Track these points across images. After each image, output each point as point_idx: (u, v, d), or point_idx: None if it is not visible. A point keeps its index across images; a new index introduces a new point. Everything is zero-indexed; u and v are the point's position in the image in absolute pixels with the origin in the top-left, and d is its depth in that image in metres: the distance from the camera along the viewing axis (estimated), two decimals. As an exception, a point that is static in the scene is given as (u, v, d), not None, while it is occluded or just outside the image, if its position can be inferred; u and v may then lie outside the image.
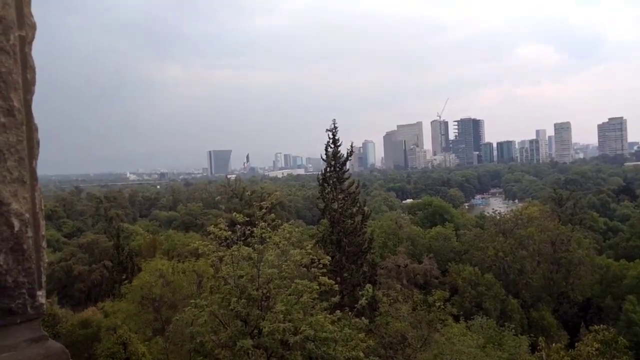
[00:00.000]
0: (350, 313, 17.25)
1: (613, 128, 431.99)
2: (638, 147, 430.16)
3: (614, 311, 47.87)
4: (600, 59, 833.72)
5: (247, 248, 15.60)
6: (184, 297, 24.28)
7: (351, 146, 33.78)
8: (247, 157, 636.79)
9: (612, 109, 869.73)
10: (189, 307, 16.00)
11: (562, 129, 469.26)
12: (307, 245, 17.44)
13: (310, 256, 16.49)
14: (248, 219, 17.29)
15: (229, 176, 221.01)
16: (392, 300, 24.42)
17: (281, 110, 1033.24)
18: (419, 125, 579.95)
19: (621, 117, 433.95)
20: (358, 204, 32.34)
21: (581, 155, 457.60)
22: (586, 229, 65.28)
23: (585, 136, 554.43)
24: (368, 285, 17.74)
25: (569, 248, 50.28)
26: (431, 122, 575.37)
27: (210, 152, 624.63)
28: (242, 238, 16.06)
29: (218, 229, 16.14)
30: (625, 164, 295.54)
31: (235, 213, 17.92)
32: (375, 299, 23.88)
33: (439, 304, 23.55)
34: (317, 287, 15.47)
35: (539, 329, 41.93)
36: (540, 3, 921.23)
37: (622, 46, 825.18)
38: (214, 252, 16.34)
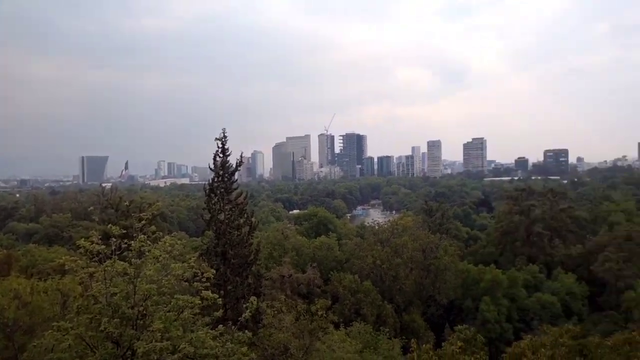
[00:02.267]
0: (233, 327, 17.04)
1: (475, 147, 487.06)
2: (495, 165, 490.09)
3: (472, 311, 53.65)
4: (467, 85, 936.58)
5: (122, 263, 14.63)
6: (44, 320, 21.75)
7: (241, 156, 33.54)
8: (126, 164, 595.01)
9: (475, 130, 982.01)
10: (49, 331, 14.43)
11: (434, 146, 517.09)
12: (190, 259, 16.89)
13: (193, 270, 16.00)
14: (125, 231, 16.22)
15: (104, 185, 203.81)
16: (276, 311, 24.64)
17: (166, 117, 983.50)
18: (307, 138, 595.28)
19: (482, 138, 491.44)
20: (246, 215, 32.14)
21: (449, 171, 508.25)
22: (451, 237, 72.27)
23: (453, 153, 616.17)
24: (252, 298, 17.69)
25: (437, 255, 55.30)
26: (319, 136, 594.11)
27: (83, 157, 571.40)
28: (118, 252, 15.04)
29: (89, 242, 14.90)
30: (484, 179, 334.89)
31: (110, 225, 16.69)
32: (259, 310, 23.92)
33: (321, 312, 24.32)
34: (200, 301, 15.05)
35: (410, 331, 45.40)
36: (418, 31, 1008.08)
37: (485, 75, 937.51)
38: (83, 268, 14.99)
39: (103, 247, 15.10)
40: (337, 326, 27.67)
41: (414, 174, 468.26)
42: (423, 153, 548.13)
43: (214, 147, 32.08)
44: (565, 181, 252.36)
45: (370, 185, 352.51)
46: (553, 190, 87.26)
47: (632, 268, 55.95)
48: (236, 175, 33.50)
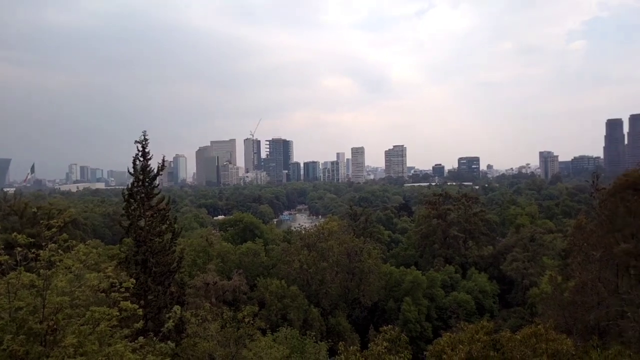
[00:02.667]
0: (155, 338, 16.21)
1: (396, 154, 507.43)
2: (414, 171, 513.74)
3: (395, 312, 55.57)
4: (388, 95, 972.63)
5: (29, 274, 13.36)
6: None
7: (163, 160, 32.05)
8: (32, 167, 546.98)
9: (396, 138, 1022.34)
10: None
11: (358, 153, 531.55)
12: (107, 268, 15.83)
13: (111, 279, 15.01)
14: (32, 239, 14.84)
15: (6, 189, 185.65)
16: (200, 320, 23.82)
17: (78, 118, 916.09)
18: (232, 142, 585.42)
19: (402, 145, 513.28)
20: (168, 221, 30.78)
21: (372, 177, 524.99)
22: (375, 240, 74.52)
23: (375, 160, 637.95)
24: (176, 307, 16.97)
25: (361, 258, 56.66)
26: (244, 140, 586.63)
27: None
28: (24, 263, 13.70)
29: (-12, 253, 13.44)
30: (404, 185, 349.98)
31: (14, 233, 15.17)
32: (182, 320, 22.98)
33: (248, 319, 23.90)
34: (118, 313, 14.13)
35: (336, 333, 46.04)
36: (341, 41, 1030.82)
37: (404, 86, 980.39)
38: (-19, 281, 13.49)
39: (6, 257, 13.70)
40: (264, 332, 27.35)
41: (339, 179, 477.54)
42: (347, 159, 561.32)
43: (132, 150, 30.51)
44: (477, 187, 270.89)
45: (297, 190, 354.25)
46: (467, 195, 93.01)
47: (535, 266, 61.03)
48: (157, 180, 32.04)
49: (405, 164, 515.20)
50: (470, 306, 57.84)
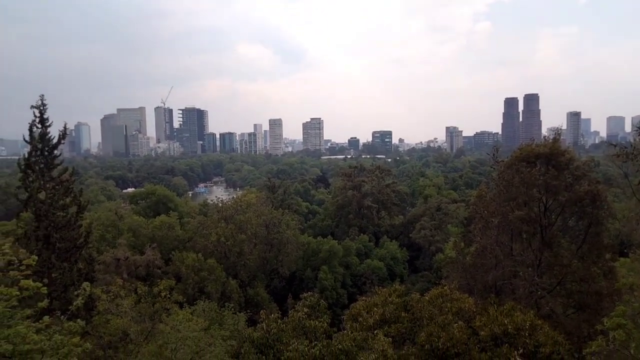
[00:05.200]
0: (62, 317, 15.20)
1: (314, 127, 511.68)
2: (331, 144, 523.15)
3: (312, 280, 57.14)
4: (305, 67, 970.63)
5: None
6: None
7: (65, 128, 29.39)
8: None
9: (314, 110, 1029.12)
10: None
11: (276, 124, 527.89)
12: (3, 245, 14.42)
13: (8, 257, 13.73)
14: None
15: None
16: (112, 297, 22.71)
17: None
18: (141, 110, 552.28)
19: (319, 118, 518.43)
20: (72, 194, 28.55)
21: (290, 149, 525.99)
22: (293, 212, 75.38)
23: (293, 132, 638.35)
24: (85, 283, 15.95)
25: (280, 230, 57.16)
26: (155, 109, 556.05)
27: None
28: None
29: None
30: (322, 157, 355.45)
31: None
32: (92, 297, 21.76)
33: (164, 293, 23.21)
34: (18, 292, 13.03)
35: (255, 304, 46.44)
36: (258, 9, 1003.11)
37: (321, 59, 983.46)
38: None
39: None
40: (181, 306, 26.74)
41: (256, 151, 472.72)
42: (265, 131, 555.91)
43: (26, 116, 27.61)
44: (389, 159, 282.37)
45: (213, 162, 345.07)
46: (380, 167, 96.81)
47: (441, 234, 65.71)
48: (58, 150, 29.43)
49: (323, 136, 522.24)
50: (383, 272, 61.13)
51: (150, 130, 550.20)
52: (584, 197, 24.84)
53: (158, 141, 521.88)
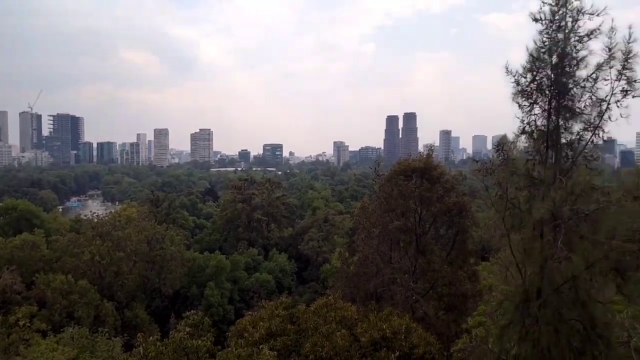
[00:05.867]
0: None
1: (203, 138, 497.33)
2: (221, 156, 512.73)
3: (198, 298, 54.92)
4: (196, 76, 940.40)
5: None
6: None
7: None
8: None
9: (203, 121, 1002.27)
10: None
11: (161, 134, 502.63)
12: None
13: None
14: None
15: None
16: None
17: None
18: (3, 115, 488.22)
19: (209, 129, 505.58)
20: None
21: (177, 160, 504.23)
22: (178, 227, 72.08)
23: (180, 143, 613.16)
24: None
25: (163, 246, 54.17)
26: (20, 114, 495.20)
27: None
28: None
29: None
30: (211, 169, 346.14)
31: None
32: None
33: (23, 322, 20.51)
34: None
35: (133, 327, 43.12)
36: (145, 16, 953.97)
37: (213, 69, 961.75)
38: None
39: None
40: (44, 335, 23.84)
41: (139, 162, 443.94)
42: (150, 141, 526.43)
43: None
44: (280, 172, 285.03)
45: (88, 173, 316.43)
46: (270, 180, 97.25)
47: (328, 245, 67.63)
48: None
49: (212, 148, 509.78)
50: (271, 285, 60.96)
51: (14, 137, 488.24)
52: (453, 207, 27.40)
53: (23, 150, 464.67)
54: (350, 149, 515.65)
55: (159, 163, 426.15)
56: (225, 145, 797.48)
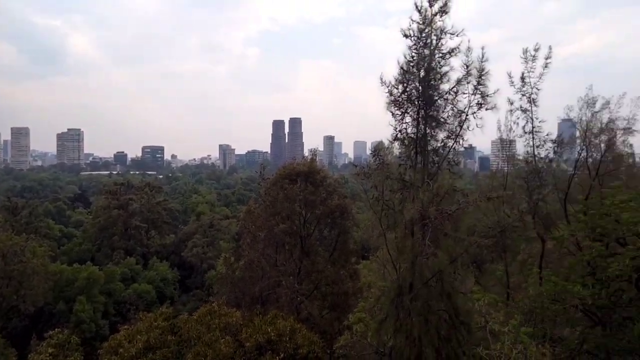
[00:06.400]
0: None
1: (71, 138, 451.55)
2: (93, 158, 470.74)
3: (66, 314, 49.69)
4: (63, 70, 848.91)
5: None
6: None
7: None
8: None
9: (73, 120, 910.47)
10: None
11: (21, 134, 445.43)
12: None
13: None
14: None
15: None
16: None
17: None
18: None
19: (79, 129, 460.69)
20: None
21: (40, 163, 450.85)
22: (42, 237, 64.54)
23: (45, 144, 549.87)
24: None
25: (23, 259, 47.99)
26: None
27: None
28: None
29: None
30: (81, 173, 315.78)
31: None
32: None
33: None
34: None
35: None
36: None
37: (84, 64, 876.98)
38: None
39: None
40: None
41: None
42: (6, 141, 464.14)
43: None
44: (161, 176, 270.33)
45: None
46: (150, 184, 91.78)
47: (214, 250, 65.89)
48: None
49: (83, 150, 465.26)
50: (152, 296, 57.57)
51: None
52: (335, 210, 28.50)
53: None
54: (236, 152, 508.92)
55: (17, 166, 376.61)
56: (98, 146, 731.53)
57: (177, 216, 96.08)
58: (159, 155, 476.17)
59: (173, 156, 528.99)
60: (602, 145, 27.37)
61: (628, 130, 27.01)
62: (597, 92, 27.99)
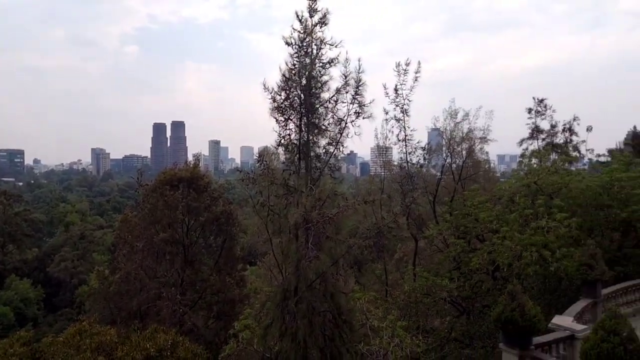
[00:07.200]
0: None
1: None
2: None
3: None
4: None
5: None
6: None
7: None
8: None
9: None
10: None
11: None
12: None
13: None
14: None
15: None
16: None
17: None
18: None
19: None
20: None
21: None
22: None
23: None
24: None
25: None
26: None
27: None
28: None
29: None
30: None
31: None
32: None
33: None
34: None
35: None
36: None
37: None
38: None
39: None
40: None
41: None
42: None
43: None
44: (21, 183, 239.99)
45: None
46: (7, 192, 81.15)
47: (86, 264, 60.22)
48: None
49: None
50: (10, 319, 50.78)
51: None
52: (220, 216, 27.90)
53: None
54: (112, 156, 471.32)
55: None
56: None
57: (42, 228, 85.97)
58: (19, 160, 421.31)
59: (36, 161, 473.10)
60: (464, 152, 30.73)
61: (484, 139, 30.74)
62: (459, 105, 31.45)
